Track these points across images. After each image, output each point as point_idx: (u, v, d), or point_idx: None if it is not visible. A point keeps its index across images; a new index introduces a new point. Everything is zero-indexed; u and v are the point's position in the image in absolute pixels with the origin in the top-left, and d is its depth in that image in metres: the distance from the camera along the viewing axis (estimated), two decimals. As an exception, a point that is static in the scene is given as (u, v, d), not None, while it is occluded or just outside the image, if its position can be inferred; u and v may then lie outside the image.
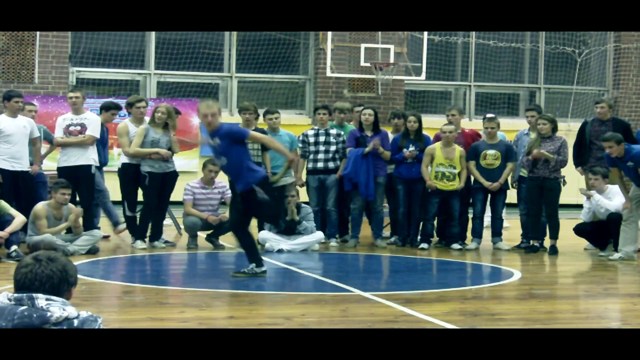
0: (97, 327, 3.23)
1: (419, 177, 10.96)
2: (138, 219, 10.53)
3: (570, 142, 11.21)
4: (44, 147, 10.99)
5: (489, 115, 11.93)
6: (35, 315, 3.18)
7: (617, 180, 10.16)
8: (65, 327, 3.18)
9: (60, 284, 3.29)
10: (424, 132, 11.28)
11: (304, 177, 11.38)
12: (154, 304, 6.86)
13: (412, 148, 10.91)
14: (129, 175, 10.46)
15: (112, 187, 11.44)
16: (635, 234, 10.11)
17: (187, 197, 10.58)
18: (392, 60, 17.04)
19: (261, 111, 11.36)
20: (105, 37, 17.00)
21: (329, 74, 16.98)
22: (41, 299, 3.22)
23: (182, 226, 11.24)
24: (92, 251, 9.78)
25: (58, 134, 10.68)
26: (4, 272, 8.38)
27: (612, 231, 10.27)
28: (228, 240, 10.97)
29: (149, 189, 10.32)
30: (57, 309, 3.21)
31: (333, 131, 11.17)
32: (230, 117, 17.37)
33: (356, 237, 11.13)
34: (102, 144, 10.98)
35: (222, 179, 10.87)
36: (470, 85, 18.99)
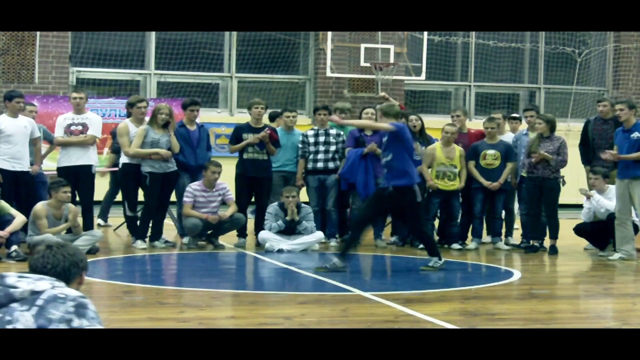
0: (65, 307, 3.13)
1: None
2: (139, 219, 10.54)
3: (570, 142, 11.21)
4: (44, 147, 10.99)
5: (513, 115, 12.13)
6: (2, 293, 3.20)
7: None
8: (28, 303, 3.14)
9: (70, 267, 3.36)
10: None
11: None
12: (154, 304, 6.86)
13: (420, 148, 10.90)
14: (130, 175, 10.47)
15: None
16: (631, 232, 10.09)
17: (187, 200, 10.52)
18: (392, 60, 17.04)
19: (269, 110, 11.47)
20: (105, 37, 17.00)
21: (329, 74, 16.98)
22: (12, 277, 3.25)
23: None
24: (92, 251, 9.78)
25: (58, 134, 10.67)
26: (4, 272, 8.37)
27: (612, 231, 10.26)
28: (228, 240, 10.97)
29: (149, 189, 10.32)
30: (25, 283, 3.21)
31: (333, 131, 11.18)
32: (230, 117, 17.39)
33: (356, 237, 11.12)
34: (190, 145, 10.83)
35: (222, 180, 10.89)
36: (470, 85, 18.99)
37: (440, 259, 8.97)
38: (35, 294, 3.18)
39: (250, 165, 10.79)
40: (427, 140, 11.10)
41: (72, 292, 3.23)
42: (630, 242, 10.06)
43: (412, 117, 11.12)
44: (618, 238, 10.05)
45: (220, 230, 10.66)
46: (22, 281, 3.22)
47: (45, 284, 3.22)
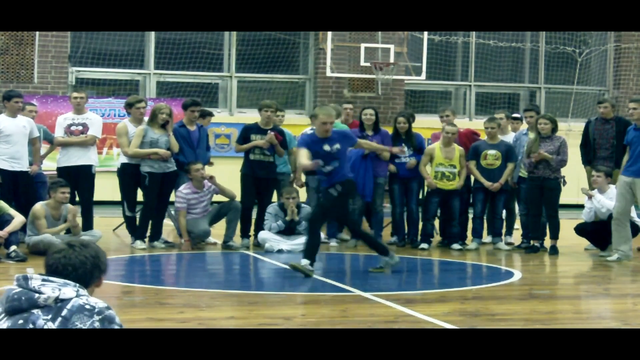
0: (91, 322, 3.06)
1: (413, 175, 10.96)
2: (138, 219, 10.54)
3: (571, 142, 11.20)
4: (44, 147, 10.99)
5: (514, 115, 12.09)
6: (24, 297, 3.06)
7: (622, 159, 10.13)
8: (53, 312, 3.04)
9: (93, 270, 3.21)
10: (424, 131, 11.30)
11: (303, 177, 11.35)
12: (154, 304, 6.86)
13: (404, 150, 10.81)
14: (129, 175, 10.46)
15: (113, 188, 11.44)
16: (628, 232, 10.06)
17: (181, 206, 10.45)
18: (392, 60, 17.04)
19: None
20: (104, 37, 16.99)
21: (329, 73, 16.98)
22: (36, 280, 3.08)
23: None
24: (92, 251, 9.75)
25: (59, 134, 10.67)
26: (3, 272, 8.37)
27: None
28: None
29: (148, 189, 10.31)
30: (49, 289, 3.06)
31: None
32: (229, 117, 17.38)
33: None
34: (190, 145, 10.75)
35: (223, 179, 10.88)
36: (470, 85, 18.99)
37: (391, 257, 8.67)
38: (61, 302, 3.06)
39: (257, 166, 10.79)
40: (413, 143, 11.04)
41: (98, 303, 3.13)
42: (628, 242, 10.04)
43: (400, 119, 11.10)
44: (615, 238, 10.02)
45: (218, 217, 10.69)
46: (47, 286, 3.08)
47: (71, 291, 3.09)
